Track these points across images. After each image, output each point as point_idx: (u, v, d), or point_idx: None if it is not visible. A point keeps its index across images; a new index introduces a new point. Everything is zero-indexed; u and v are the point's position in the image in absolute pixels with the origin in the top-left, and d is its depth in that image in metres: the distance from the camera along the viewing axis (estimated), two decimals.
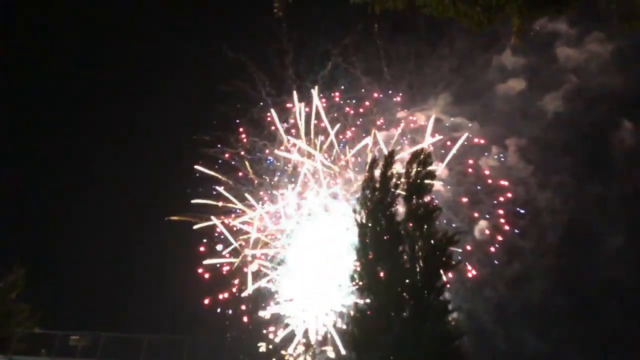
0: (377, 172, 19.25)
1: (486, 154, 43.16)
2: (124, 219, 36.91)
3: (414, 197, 18.34)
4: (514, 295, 38.37)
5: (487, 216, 41.13)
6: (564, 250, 38.62)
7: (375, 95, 43.73)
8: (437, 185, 39.29)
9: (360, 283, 17.98)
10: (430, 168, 18.84)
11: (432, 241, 17.86)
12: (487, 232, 40.52)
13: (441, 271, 17.91)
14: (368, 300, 17.68)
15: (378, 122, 42.74)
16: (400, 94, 44.28)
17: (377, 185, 18.87)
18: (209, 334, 32.81)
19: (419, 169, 18.59)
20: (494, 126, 43.29)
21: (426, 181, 18.61)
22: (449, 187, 41.53)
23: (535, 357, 35.33)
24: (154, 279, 34.28)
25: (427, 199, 18.52)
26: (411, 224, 18.10)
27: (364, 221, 18.62)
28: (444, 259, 17.76)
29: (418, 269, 17.47)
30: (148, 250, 35.37)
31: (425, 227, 18.18)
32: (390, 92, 44.13)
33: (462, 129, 42.88)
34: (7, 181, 37.23)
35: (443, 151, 41.71)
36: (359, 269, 18.18)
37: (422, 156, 18.91)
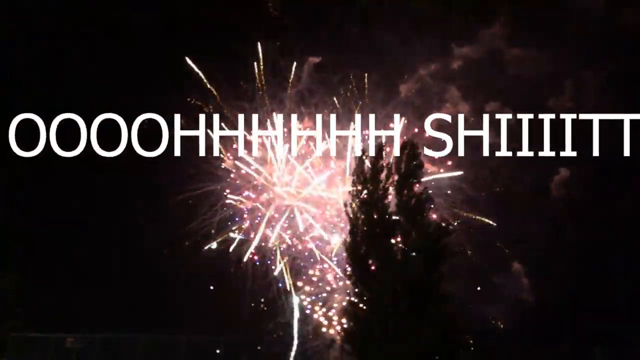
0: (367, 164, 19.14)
1: (558, 93, 33.99)
2: (117, 218, 36.39)
3: (405, 189, 18.21)
4: (590, 272, 31.18)
5: (563, 172, 33.45)
6: None
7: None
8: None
9: (353, 277, 17.95)
10: (416, 161, 18.67)
11: (426, 233, 17.75)
12: (560, 194, 33.35)
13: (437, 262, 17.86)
14: (361, 295, 17.64)
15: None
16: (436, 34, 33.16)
17: (368, 177, 18.77)
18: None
19: (410, 161, 18.47)
20: (567, 56, 33.35)
21: (416, 171, 18.52)
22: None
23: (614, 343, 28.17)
24: (148, 277, 33.85)
25: (418, 189, 18.36)
26: (403, 217, 17.99)
27: (355, 215, 18.52)
28: (438, 250, 17.64)
29: (412, 262, 17.38)
30: (144, 248, 34.66)
31: (418, 218, 18.09)
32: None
33: (524, 62, 33.91)
34: None
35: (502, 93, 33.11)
36: (350, 263, 18.19)
37: (409, 147, 18.74)
